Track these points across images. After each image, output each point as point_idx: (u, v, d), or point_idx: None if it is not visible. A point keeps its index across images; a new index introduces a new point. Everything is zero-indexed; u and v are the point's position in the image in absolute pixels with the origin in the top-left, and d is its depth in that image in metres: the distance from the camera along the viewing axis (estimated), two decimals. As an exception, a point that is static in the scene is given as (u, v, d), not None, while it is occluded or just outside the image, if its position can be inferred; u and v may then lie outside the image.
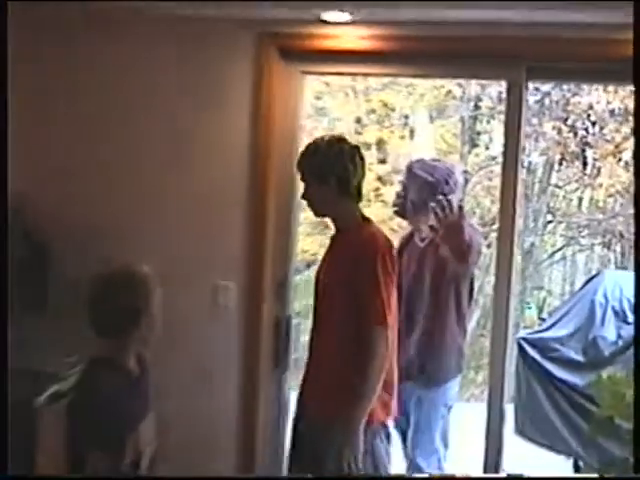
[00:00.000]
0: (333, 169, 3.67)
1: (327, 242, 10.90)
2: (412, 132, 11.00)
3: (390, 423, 3.90)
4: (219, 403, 4.29)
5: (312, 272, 10.64)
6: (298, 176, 3.88)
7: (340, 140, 3.80)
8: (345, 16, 3.92)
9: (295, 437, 3.92)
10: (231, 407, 4.28)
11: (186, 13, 4.03)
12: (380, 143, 10.72)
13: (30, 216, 4.11)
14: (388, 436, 3.87)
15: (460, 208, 4.32)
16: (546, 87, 9.37)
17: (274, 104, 4.20)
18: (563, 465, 6.81)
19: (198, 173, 4.25)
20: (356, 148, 3.79)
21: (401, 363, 4.69)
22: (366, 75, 7.37)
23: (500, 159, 9.63)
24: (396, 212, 4.89)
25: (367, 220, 3.79)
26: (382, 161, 10.81)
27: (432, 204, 4.34)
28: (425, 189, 4.54)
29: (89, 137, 4.40)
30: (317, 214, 3.92)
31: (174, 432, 3.87)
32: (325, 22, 3.99)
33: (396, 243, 4.35)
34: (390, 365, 3.68)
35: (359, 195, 3.78)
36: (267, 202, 4.23)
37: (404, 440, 4.74)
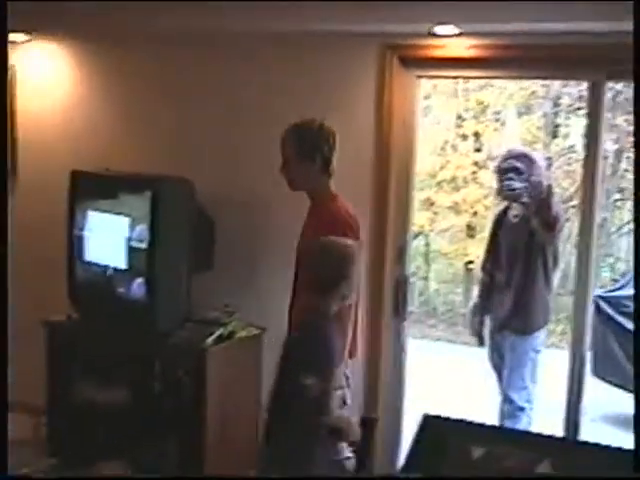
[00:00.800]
0: (321, 149, 3.47)
1: (432, 216, 10.78)
2: (503, 125, 10.84)
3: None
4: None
5: (419, 241, 10.63)
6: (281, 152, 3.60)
7: (323, 124, 3.52)
8: (453, 29, 3.85)
9: None
10: (360, 348, 4.24)
11: (326, 29, 4.03)
12: (476, 135, 10.57)
13: (201, 197, 4.20)
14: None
15: (549, 187, 4.23)
16: (619, 86, 9.10)
17: (394, 102, 4.15)
18: (630, 401, 6.67)
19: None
20: (334, 132, 3.54)
21: (500, 315, 4.68)
22: (468, 78, 7.26)
23: (577, 147, 9.36)
24: (499, 194, 4.75)
25: (335, 195, 3.55)
26: (478, 150, 10.67)
27: (526, 185, 4.27)
28: (520, 173, 4.42)
29: (242, 134, 4.49)
30: (295, 188, 3.59)
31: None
32: (436, 35, 3.93)
33: (491, 217, 4.22)
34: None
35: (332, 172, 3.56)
36: (389, 182, 4.19)
37: (500, 378, 4.70)
